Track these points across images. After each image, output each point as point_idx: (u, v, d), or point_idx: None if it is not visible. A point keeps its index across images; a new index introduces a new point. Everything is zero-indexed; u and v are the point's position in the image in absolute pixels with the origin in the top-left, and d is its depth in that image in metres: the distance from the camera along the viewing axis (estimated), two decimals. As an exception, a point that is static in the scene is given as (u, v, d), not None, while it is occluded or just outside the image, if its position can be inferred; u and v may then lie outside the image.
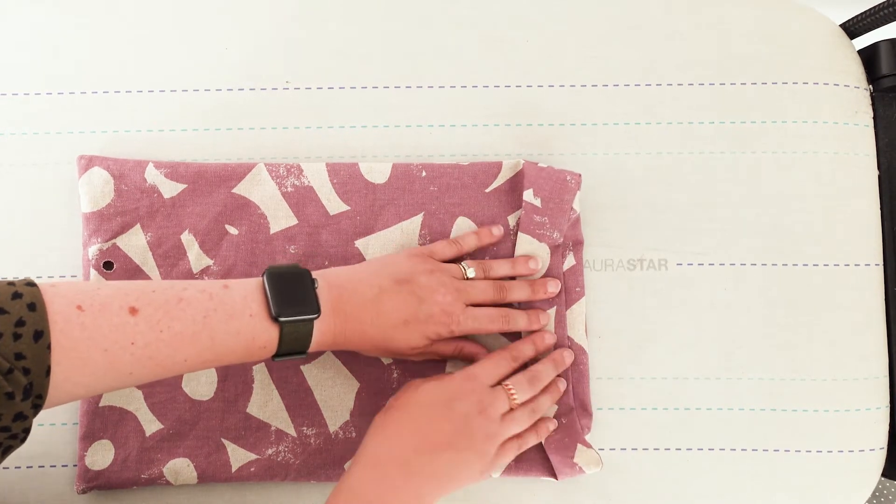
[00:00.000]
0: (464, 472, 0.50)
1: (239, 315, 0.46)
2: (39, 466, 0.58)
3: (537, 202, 0.58)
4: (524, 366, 0.56)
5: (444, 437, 0.49)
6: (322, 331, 0.49)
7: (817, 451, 0.59)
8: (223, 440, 0.57)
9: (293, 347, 0.48)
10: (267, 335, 0.47)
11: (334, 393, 0.58)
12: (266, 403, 0.58)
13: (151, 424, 0.57)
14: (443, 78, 0.62)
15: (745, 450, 0.59)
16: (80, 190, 0.58)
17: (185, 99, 0.61)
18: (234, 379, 0.58)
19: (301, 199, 0.59)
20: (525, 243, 0.58)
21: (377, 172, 0.59)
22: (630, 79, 0.62)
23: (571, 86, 0.62)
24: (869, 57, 0.63)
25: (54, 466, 0.58)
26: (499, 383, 0.53)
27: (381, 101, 0.62)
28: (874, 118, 0.62)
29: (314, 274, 0.50)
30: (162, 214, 0.58)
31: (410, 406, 0.51)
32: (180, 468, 0.57)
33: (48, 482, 0.58)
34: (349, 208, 0.59)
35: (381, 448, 0.49)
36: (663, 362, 0.60)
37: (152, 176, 0.58)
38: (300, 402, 0.58)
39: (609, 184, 0.61)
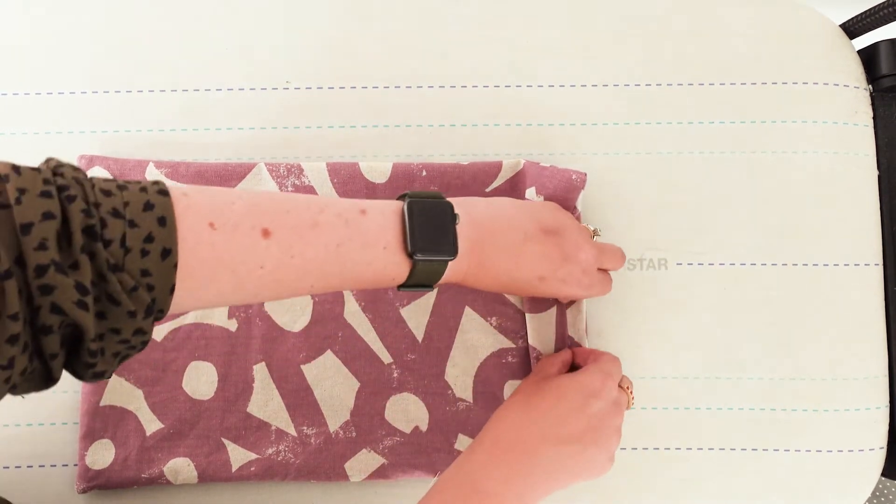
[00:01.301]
0: (585, 469, 0.50)
1: (373, 245, 0.43)
2: (40, 466, 0.58)
3: (540, 200, 0.58)
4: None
5: (574, 433, 0.49)
6: (454, 270, 0.46)
7: (817, 451, 0.59)
8: (223, 440, 0.57)
9: (421, 282, 0.46)
10: (398, 269, 0.45)
11: (334, 392, 0.58)
12: (266, 403, 0.58)
13: (152, 424, 0.57)
14: (443, 78, 0.62)
15: (745, 450, 0.59)
16: (81, 190, 0.58)
17: (186, 99, 0.61)
18: (235, 378, 0.58)
19: (301, 198, 0.59)
20: None
21: (377, 172, 0.60)
22: (630, 79, 0.62)
23: (571, 86, 0.62)
24: (869, 57, 0.63)
25: (54, 466, 0.58)
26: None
27: (381, 100, 0.62)
28: (874, 118, 0.62)
29: (456, 207, 0.47)
30: (162, 214, 0.58)
31: (545, 396, 0.50)
32: (180, 468, 0.57)
33: (48, 482, 0.58)
34: (349, 208, 0.59)
35: (508, 433, 0.49)
36: (663, 362, 0.60)
37: (153, 175, 0.58)
38: (300, 401, 0.58)
39: (609, 184, 0.61)
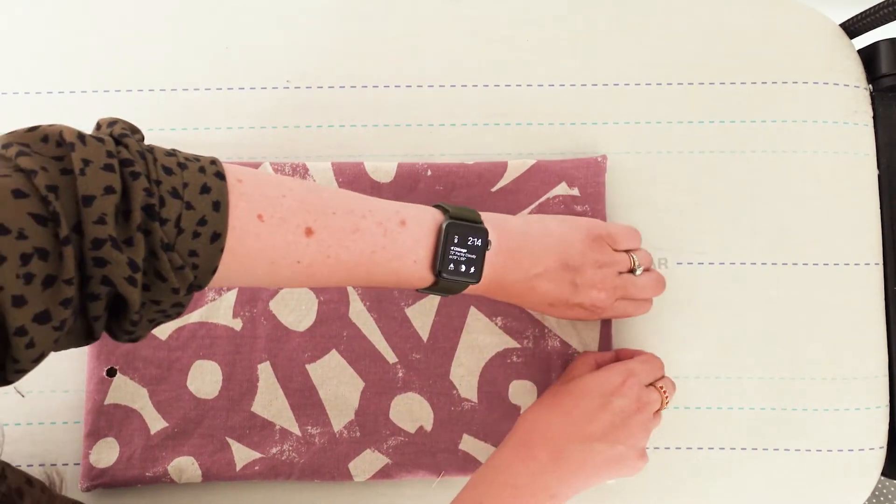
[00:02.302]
0: (614, 466, 0.51)
1: (404, 258, 0.46)
2: (40, 465, 0.58)
3: (575, 192, 0.58)
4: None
5: (598, 430, 0.50)
6: (474, 287, 0.49)
7: (817, 451, 0.60)
8: (228, 439, 0.57)
9: (440, 293, 0.49)
10: (421, 281, 0.47)
11: (339, 392, 0.58)
12: (271, 402, 0.58)
13: (156, 423, 0.57)
14: (445, 77, 0.62)
15: (745, 449, 0.60)
16: (83, 189, 0.58)
17: (187, 98, 0.61)
18: (239, 378, 0.58)
19: (304, 198, 0.59)
20: None
21: (383, 172, 0.60)
22: (630, 79, 0.62)
23: (572, 85, 0.62)
24: (869, 56, 0.64)
25: (55, 465, 0.58)
26: (651, 384, 0.55)
27: (385, 100, 0.62)
28: (874, 117, 0.63)
29: (491, 231, 0.49)
30: (165, 214, 0.58)
31: (567, 395, 0.52)
32: (185, 466, 0.57)
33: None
34: (353, 208, 0.59)
35: (533, 432, 0.50)
36: (663, 362, 0.60)
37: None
38: (305, 401, 0.58)
39: (609, 184, 0.61)
